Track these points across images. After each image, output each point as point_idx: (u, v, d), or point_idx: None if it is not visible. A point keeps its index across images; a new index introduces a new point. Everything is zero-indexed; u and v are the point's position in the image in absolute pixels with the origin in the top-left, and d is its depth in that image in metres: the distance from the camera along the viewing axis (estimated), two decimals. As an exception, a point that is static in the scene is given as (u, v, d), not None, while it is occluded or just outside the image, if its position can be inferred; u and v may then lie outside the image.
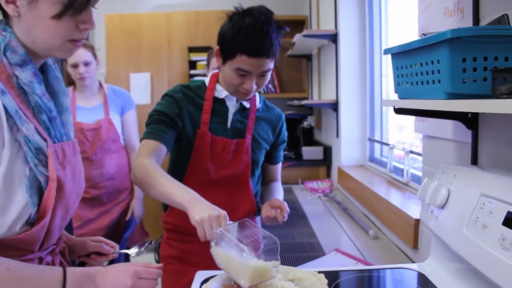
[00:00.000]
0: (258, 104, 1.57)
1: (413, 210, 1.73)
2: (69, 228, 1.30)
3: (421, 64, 1.01)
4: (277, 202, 1.46)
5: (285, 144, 1.69)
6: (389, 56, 1.17)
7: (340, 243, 1.91)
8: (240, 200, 1.55)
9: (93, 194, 2.40)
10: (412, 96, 1.09)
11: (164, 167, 1.56)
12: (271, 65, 1.39)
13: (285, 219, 1.44)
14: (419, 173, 2.11)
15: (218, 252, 1.08)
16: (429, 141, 1.54)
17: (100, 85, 2.56)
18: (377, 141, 2.80)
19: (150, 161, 1.32)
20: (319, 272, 1.12)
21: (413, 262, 1.65)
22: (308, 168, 3.21)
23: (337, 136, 2.98)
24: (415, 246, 1.62)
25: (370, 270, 1.29)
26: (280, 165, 1.74)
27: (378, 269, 1.30)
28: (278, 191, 1.62)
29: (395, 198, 2.01)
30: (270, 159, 1.67)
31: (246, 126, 1.52)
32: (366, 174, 2.63)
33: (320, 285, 1.04)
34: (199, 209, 1.11)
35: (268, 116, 1.60)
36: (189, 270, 1.32)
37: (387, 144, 2.55)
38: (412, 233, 1.63)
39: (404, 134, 2.61)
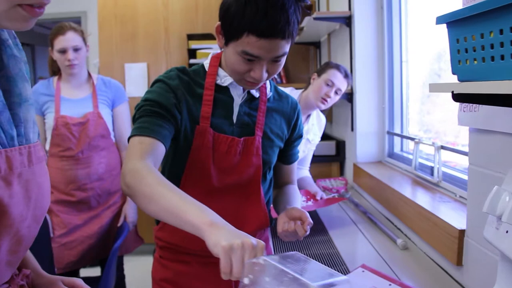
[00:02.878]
0: (269, 92, 1.28)
1: (453, 218, 1.45)
2: (46, 255, 1.06)
3: (501, 32, 0.73)
4: (297, 211, 1.18)
5: (301, 140, 1.41)
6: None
7: (364, 254, 1.64)
8: (249, 212, 1.27)
9: (80, 197, 2.13)
10: (481, 77, 0.81)
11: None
12: (286, 48, 1.09)
13: (307, 233, 1.15)
14: (452, 172, 1.84)
15: None
16: (479, 135, 1.26)
17: (89, 75, 2.29)
18: (398, 135, 2.52)
19: (147, 165, 1.00)
20: None
21: (456, 281, 1.38)
22: (319, 165, 2.92)
23: (352, 129, 2.70)
24: (459, 262, 1.35)
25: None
26: (295, 165, 1.45)
27: None
28: (295, 197, 1.33)
29: (425, 200, 1.73)
30: (284, 158, 1.39)
31: (256, 120, 1.23)
32: (386, 172, 2.35)
33: None
34: (225, 234, 0.82)
35: (281, 106, 1.31)
36: None
37: (411, 138, 2.27)
38: (456, 247, 1.35)
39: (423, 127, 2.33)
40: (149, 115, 1.11)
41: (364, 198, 2.45)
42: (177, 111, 1.15)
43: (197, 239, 0.85)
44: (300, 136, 1.38)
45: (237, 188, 1.24)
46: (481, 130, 1.24)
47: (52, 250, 1.83)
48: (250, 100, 1.23)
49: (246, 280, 0.79)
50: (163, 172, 1.26)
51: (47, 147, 2.16)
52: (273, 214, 1.38)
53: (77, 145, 2.12)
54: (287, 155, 1.38)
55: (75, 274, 2.23)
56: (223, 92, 1.20)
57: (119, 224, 2.21)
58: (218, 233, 0.82)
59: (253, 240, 0.81)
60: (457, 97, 0.91)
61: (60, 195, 2.13)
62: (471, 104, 1.26)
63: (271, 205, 1.39)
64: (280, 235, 1.17)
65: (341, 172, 3.00)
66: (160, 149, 1.09)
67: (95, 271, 2.26)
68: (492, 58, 0.77)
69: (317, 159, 2.80)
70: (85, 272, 2.42)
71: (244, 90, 1.21)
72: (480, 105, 1.22)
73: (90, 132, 2.14)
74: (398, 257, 1.59)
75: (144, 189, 0.95)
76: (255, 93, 1.23)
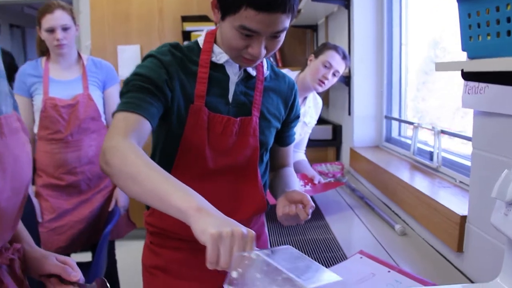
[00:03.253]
0: (266, 71, 1.22)
1: (453, 203, 1.41)
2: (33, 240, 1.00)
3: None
4: (298, 194, 1.12)
5: (298, 121, 1.35)
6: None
7: (362, 240, 1.60)
8: (245, 195, 1.21)
9: (70, 181, 2.06)
10: (494, 54, 0.76)
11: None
12: (287, 23, 1.02)
13: (309, 216, 1.10)
14: (452, 157, 1.80)
15: None
16: (484, 118, 1.21)
17: (79, 55, 2.21)
18: (396, 119, 2.47)
19: (130, 143, 0.93)
20: None
21: (456, 268, 1.34)
22: (315, 149, 2.87)
23: (349, 113, 2.65)
24: (459, 249, 1.31)
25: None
26: (292, 147, 1.40)
27: None
28: (293, 180, 1.28)
29: (424, 185, 1.69)
30: (281, 140, 1.33)
31: (252, 100, 1.17)
32: (384, 156, 2.31)
33: None
34: (213, 221, 0.76)
35: (278, 86, 1.25)
36: (178, 285, 0.99)
37: (409, 123, 2.23)
38: (456, 233, 1.31)
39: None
40: (138, 90, 1.04)
41: (361, 183, 2.41)
42: (168, 88, 1.08)
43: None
44: (297, 117, 1.32)
45: (233, 170, 1.18)
46: (486, 113, 1.19)
47: (40, 235, 1.78)
48: (246, 78, 1.17)
49: (234, 274, 0.73)
50: (154, 154, 1.20)
51: (36, 129, 2.09)
52: (270, 200, 1.33)
53: (66, 128, 2.06)
54: (284, 136, 1.32)
55: (66, 259, 2.19)
56: (218, 70, 1.14)
57: (110, 209, 2.15)
58: (206, 220, 0.76)
59: (243, 229, 0.76)
60: (467, 76, 0.86)
61: (49, 179, 2.07)
62: (477, 86, 1.21)
63: (267, 190, 1.34)
64: (280, 219, 1.12)
65: (337, 157, 2.95)
66: (146, 127, 1.02)
67: (86, 257, 2.21)
68: (509, 33, 0.71)
69: (313, 143, 2.75)
70: (76, 257, 2.36)
71: (240, 68, 1.15)
72: (487, 87, 1.17)
73: (80, 114, 2.07)
74: (397, 243, 1.55)
75: (127, 168, 0.88)
76: (252, 71, 1.17)
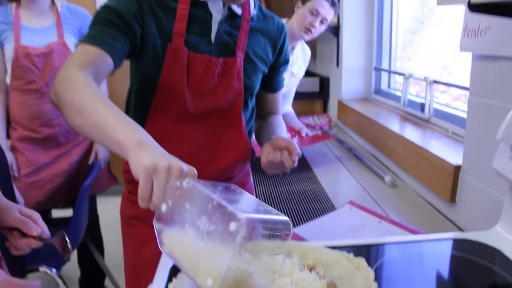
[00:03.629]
0: (252, 10, 1.12)
1: (446, 153, 1.36)
2: (7, 194, 0.92)
3: None
4: (283, 141, 1.05)
5: (287, 66, 1.26)
6: None
7: (351, 192, 1.56)
8: (229, 141, 1.14)
9: (46, 133, 1.96)
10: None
11: (120, 100, 1.14)
12: None
13: (295, 164, 1.04)
14: (444, 108, 1.74)
15: (170, 233, 0.65)
16: (483, 63, 1.14)
17: (52, 1, 2.06)
18: (386, 70, 2.40)
19: (84, 75, 0.85)
20: (352, 252, 0.76)
21: (447, 218, 1.31)
22: (302, 102, 2.79)
23: (337, 65, 2.57)
24: (452, 199, 1.27)
25: (418, 242, 0.94)
26: (280, 93, 1.32)
27: (428, 240, 0.95)
28: (281, 128, 1.21)
29: (416, 136, 1.64)
30: (269, 85, 1.25)
31: (237, 40, 1.08)
32: (373, 108, 2.25)
33: (363, 280, 0.67)
34: (151, 155, 0.69)
35: (266, 27, 1.15)
36: None
37: (400, 74, 2.16)
38: (450, 183, 1.27)
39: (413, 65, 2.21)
40: (104, 23, 0.96)
41: (349, 136, 2.36)
42: (137, 24, 0.99)
43: None
44: (286, 62, 1.24)
45: (216, 114, 1.10)
46: (486, 56, 1.13)
47: (14, 189, 1.70)
48: (231, 17, 1.07)
49: (163, 207, 0.66)
50: (129, 98, 1.12)
51: (8, 80, 1.97)
52: (256, 150, 1.26)
53: (41, 78, 1.94)
54: (272, 82, 1.24)
55: (45, 215, 2.12)
56: (200, 7, 1.04)
57: (90, 162, 2.07)
58: (144, 153, 0.69)
59: (184, 166, 0.69)
60: (474, 7, 0.78)
61: (25, 132, 1.96)
62: (477, 28, 1.14)
63: (253, 138, 1.27)
64: (265, 166, 1.06)
65: (324, 110, 2.89)
66: (107, 63, 0.93)
67: (68, 213, 2.15)
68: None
69: (299, 96, 2.67)
70: (57, 213, 2.31)
71: (224, 5, 1.05)
72: (488, 29, 1.10)
73: (55, 63, 1.95)
74: (386, 195, 1.51)
75: (73, 99, 0.81)
76: (237, 9, 1.07)
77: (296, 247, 0.77)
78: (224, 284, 0.57)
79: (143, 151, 0.70)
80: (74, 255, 2.27)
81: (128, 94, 1.13)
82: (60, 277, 1.73)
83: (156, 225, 0.67)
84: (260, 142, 1.24)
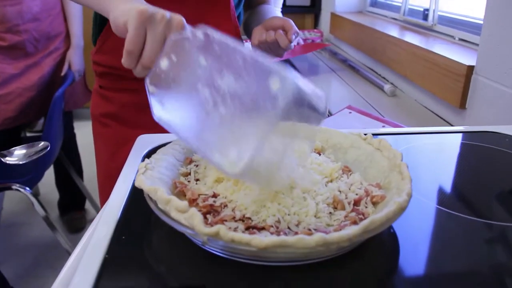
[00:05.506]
0: None
1: (455, 56, 1.24)
2: None
3: None
4: (278, 20, 0.90)
5: None
6: None
7: (348, 101, 1.44)
8: (216, 21, 0.97)
9: (12, 41, 1.76)
10: None
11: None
12: None
13: (292, 45, 0.90)
14: (450, 15, 1.60)
15: (172, 97, 0.53)
16: None
17: None
18: (384, -22, 2.21)
19: None
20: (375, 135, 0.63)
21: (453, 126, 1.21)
22: (291, 16, 2.55)
23: (331, -27, 2.36)
24: (462, 105, 1.17)
25: (443, 133, 0.84)
26: None
27: (454, 132, 0.86)
28: (274, 15, 1.05)
29: (418, 41, 1.50)
30: None
31: None
32: (370, 20, 2.09)
33: (386, 161, 0.56)
34: (145, 4, 0.56)
35: None
36: (133, 134, 0.80)
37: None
38: (460, 87, 1.16)
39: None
40: None
41: (343, 50, 2.21)
42: None
43: None
44: None
45: None
46: None
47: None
48: None
49: (164, 63, 0.52)
50: None
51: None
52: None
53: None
54: None
55: (17, 132, 1.97)
56: None
57: (62, 73, 1.89)
58: (134, 2, 0.56)
59: (184, 21, 0.56)
60: None
61: (-13, 39, 1.76)
62: None
63: (241, 25, 1.12)
64: (257, 47, 0.92)
65: (316, 24, 2.71)
66: None
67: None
68: None
69: (288, 10, 2.49)
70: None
71: None
72: None
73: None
74: (387, 104, 1.40)
75: None
76: None
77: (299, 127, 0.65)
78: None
79: (131, 1, 0.57)
80: (52, 177, 2.16)
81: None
82: (34, 196, 1.62)
83: (149, 87, 0.54)
84: (248, 33, 1.09)
